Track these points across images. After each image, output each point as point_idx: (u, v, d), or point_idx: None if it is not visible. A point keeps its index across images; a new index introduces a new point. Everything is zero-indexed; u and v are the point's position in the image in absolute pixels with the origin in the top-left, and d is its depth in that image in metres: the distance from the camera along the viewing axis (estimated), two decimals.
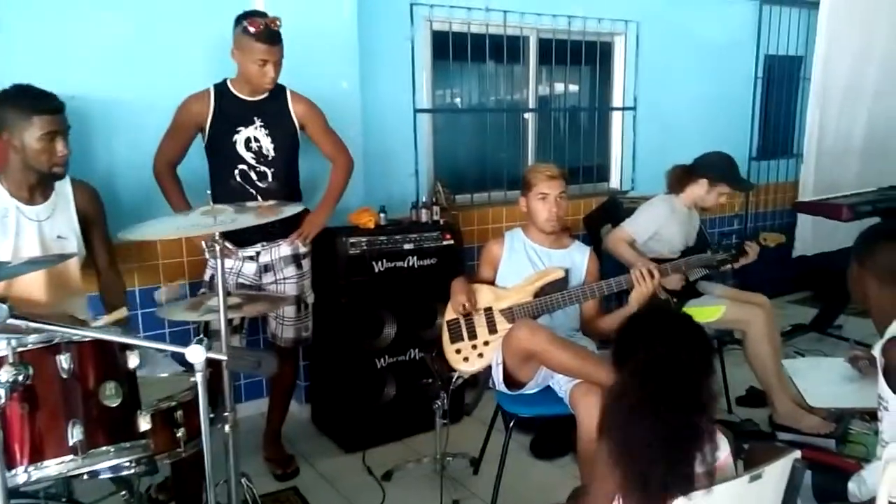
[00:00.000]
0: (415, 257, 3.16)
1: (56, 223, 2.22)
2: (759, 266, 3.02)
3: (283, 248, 2.81)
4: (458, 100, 4.09)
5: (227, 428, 1.86)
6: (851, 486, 1.79)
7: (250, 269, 2.80)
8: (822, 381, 2.49)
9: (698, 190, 3.19)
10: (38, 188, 2.18)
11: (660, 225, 3.15)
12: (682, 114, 4.74)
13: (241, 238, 2.68)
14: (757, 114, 5.18)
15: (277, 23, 2.57)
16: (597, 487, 1.56)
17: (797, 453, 1.53)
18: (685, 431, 1.41)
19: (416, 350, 3.18)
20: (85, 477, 1.70)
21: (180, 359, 2.17)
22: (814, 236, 4.80)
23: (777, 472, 1.49)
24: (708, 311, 2.73)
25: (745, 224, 5.24)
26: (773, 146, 5.36)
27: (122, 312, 2.09)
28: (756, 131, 5.21)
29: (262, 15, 2.59)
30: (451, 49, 3.82)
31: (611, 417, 1.48)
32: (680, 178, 3.23)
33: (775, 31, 5.06)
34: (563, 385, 2.38)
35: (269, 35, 2.55)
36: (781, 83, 5.32)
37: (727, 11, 4.87)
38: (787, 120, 5.44)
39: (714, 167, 3.18)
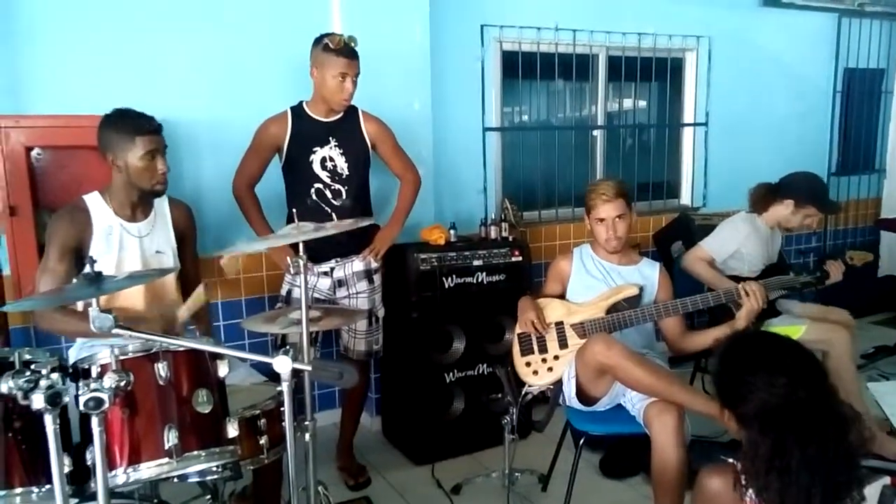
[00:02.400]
0: (484, 273, 3.19)
1: (155, 239, 2.34)
2: (841, 284, 2.92)
3: (356, 264, 2.89)
4: (526, 118, 4.13)
5: (307, 437, 1.92)
6: None
7: (325, 283, 2.89)
8: None
9: (783, 211, 3.09)
10: (139, 206, 2.31)
11: (740, 244, 3.06)
12: (755, 129, 4.65)
13: (316, 254, 2.77)
14: (836, 128, 5.02)
15: (355, 41, 2.70)
16: None
17: (886, 479, 1.48)
18: (839, 462, 1.37)
19: (485, 365, 3.21)
20: (175, 480, 1.78)
21: (264, 369, 2.27)
22: None
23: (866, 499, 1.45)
24: (788, 332, 2.65)
25: (823, 242, 5.06)
26: (853, 161, 5.17)
27: (199, 296, 2.20)
28: (835, 146, 5.05)
29: (340, 35, 2.71)
30: (520, 68, 3.87)
31: (759, 478, 1.38)
32: (764, 197, 3.12)
33: (855, 43, 4.91)
34: (636, 403, 2.35)
35: (351, 50, 2.67)
36: (862, 97, 5.14)
37: (803, 25, 4.76)
38: (869, 134, 5.24)
39: (802, 188, 3.06)
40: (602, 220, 2.61)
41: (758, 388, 1.44)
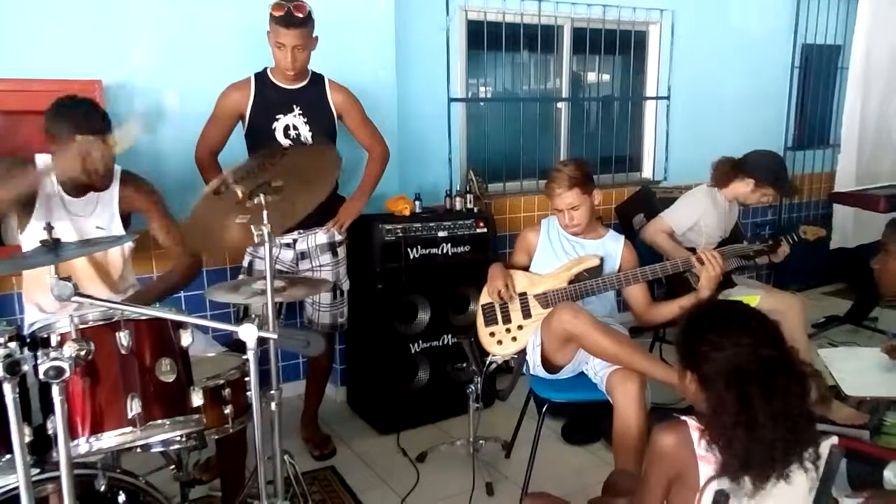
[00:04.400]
0: (449, 245, 3.20)
1: (97, 215, 2.25)
2: (793, 256, 3.02)
3: (320, 236, 2.86)
4: (491, 89, 4.12)
5: (273, 406, 1.91)
6: (888, 473, 1.80)
7: (287, 256, 2.86)
8: (858, 370, 2.49)
9: (743, 188, 3.15)
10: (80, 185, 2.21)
11: (700, 216, 3.14)
12: (716, 103, 4.72)
13: None
14: (793, 103, 5.12)
15: (304, 9, 2.57)
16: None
17: (834, 439, 1.54)
18: (801, 418, 1.42)
19: (449, 336, 3.23)
20: (138, 450, 1.76)
21: (226, 340, 2.25)
22: (854, 228, 4.74)
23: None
24: (744, 301, 2.73)
25: (779, 215, 5.19)
26: (809, 136, 5.30)
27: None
28: (792, 121, 5.15)
29: (294, 1, 2.60)
30: (485, 39, 3.85)
31: (725, 433, 1.40)
32: (727, 173, 3.17)
33: (813, 19, 4.99)
34: (598, 371, 2.40)
35: (289, 19, 2.56)
36: (819, 73, 5.25)
37: (764, 0, 4.81)
38: (824, 110, 5.37)
39: (765, 169, 3.12)
40: (560, 210, 2.65)
41: (722, 347, 1.47)
